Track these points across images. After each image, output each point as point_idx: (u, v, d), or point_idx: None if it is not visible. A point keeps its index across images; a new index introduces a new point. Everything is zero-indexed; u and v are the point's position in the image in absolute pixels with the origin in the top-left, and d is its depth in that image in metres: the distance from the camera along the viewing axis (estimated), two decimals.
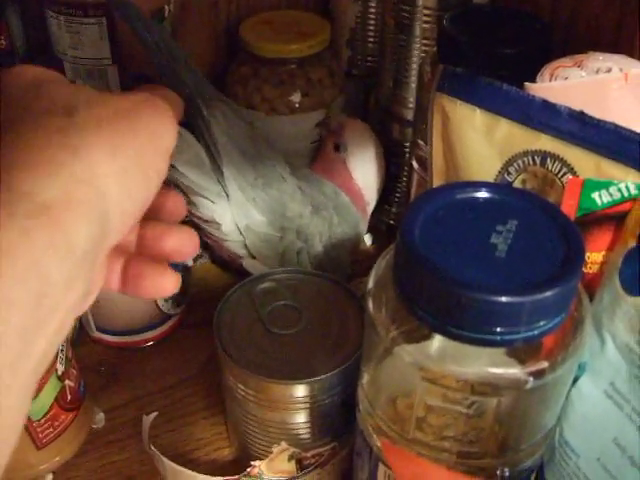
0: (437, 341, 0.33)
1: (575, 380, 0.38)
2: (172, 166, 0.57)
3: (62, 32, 0.62)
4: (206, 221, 0.61)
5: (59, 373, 0.51)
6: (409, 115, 0.69)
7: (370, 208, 0.70)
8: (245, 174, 0.60)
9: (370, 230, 0.75)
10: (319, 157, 0.70)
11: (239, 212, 0.60)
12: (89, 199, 0.27)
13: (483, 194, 0.34)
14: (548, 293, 0.29)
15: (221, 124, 0.58)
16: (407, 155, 0.70)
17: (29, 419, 0.49)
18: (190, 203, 0.60)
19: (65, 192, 0.26)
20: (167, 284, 0.34)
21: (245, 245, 0.62)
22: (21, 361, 0.23)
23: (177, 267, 0.63)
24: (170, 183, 0.59)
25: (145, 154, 0.30)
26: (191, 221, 0.63)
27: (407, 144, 0.70)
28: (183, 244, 0.35)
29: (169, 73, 0.57)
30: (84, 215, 0.26)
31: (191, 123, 0.58)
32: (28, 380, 0.24)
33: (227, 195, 0.60)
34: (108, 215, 0.28)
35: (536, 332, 0.30)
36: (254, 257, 0.62)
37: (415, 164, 0.60)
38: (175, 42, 0.59)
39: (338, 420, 0.49)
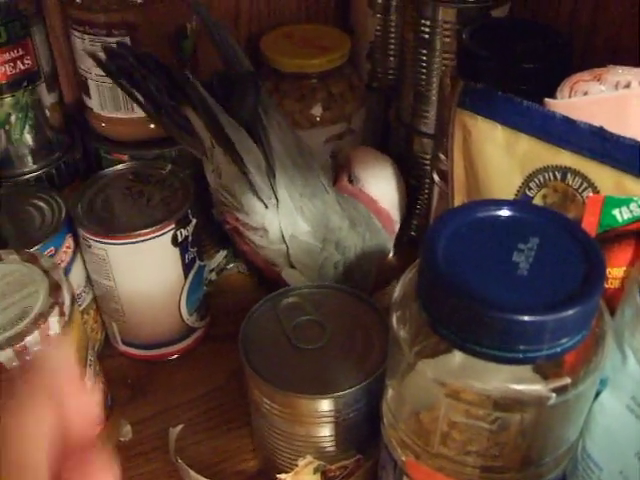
0: (458, 356, 0.33)
1: (597, 394, 0.38)
2: (243, 163, 0.56)
3: (87, 52, 0.63)
4: (254, 228, 0.60)
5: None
6: (430, 128, 0.69)
7: (397, 226, 0.71)
8: (295, 183, 0.60)
9: None
10: (338, 188, 0.69)
11: (287, 220, 0.60)
12: None
13: (504, 212, 0.35)
14: (570, 311, 0.30)
15: (277, 133, 0.58)
16: (428, 168, 0.71)
17: None
18: (241, 211, 0.60)
19: None
20: None
21: (284, 254, 0.62)
22: None
23: (202, 280, 0.64)
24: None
25: None
26: (233, 227, 0.63)
27: (427, 157, 0.71)
28: None
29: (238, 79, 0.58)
30: None
31: (250, 129, 0.58)
32: None
33: (277, 201, 0.59)
34: None
35: (558, 349, 0.31)
36: (293, 267, 0.62)
37: (436, 177, 0.60)
38: (241, 50, 0.60)
39: (363, 433, 0.49)
